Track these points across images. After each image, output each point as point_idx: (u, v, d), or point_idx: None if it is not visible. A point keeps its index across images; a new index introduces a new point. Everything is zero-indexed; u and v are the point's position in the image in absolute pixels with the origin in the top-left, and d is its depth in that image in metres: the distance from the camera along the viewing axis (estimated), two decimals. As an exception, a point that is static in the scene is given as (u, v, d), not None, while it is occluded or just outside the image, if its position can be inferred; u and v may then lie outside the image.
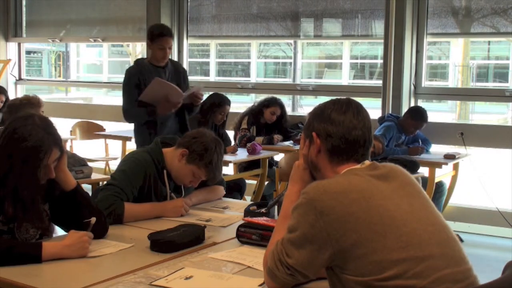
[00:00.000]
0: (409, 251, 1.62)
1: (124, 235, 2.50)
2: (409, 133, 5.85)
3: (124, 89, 4.69)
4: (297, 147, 6.15)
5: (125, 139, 6.84)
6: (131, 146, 6.57)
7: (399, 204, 1.71)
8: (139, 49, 14.02)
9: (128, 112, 4.66)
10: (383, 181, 1.76)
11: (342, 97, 1.91)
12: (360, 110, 1.86)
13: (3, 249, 2.08)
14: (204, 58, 9.44)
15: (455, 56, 9.18)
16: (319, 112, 1.88)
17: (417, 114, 5.85)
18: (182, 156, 2.84)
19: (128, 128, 7.95)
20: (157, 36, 4.63)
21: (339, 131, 1.81)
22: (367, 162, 1.85)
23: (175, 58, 7.86)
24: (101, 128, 7.59)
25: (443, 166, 5.47)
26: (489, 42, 9.68)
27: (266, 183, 5.87)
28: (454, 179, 5.98)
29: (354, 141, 1.82)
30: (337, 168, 1.83)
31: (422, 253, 1.63)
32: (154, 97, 4.54)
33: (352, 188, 1.70)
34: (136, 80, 4.61)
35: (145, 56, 7.44)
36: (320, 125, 1.84)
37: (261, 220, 2.48)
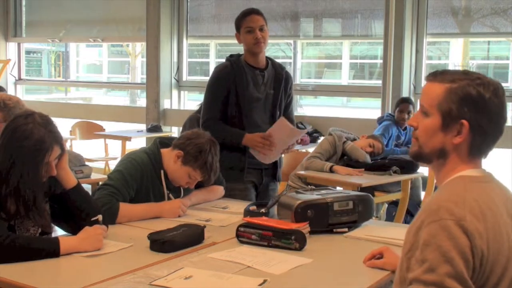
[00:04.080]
0: None
1: (123, 234, 2.50)
2: (402, 122, 5.85)
3: (208, 92, 3.57)
4: (297, 147, 6.15)
5: (124, 139, 6.85)
6: (131, 146, 6.58)
7: None
8: (138, 49, 14.02)
9: (208, 126, 3.39)
10: None
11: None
12: None
13: (23, 244, 2.11)
14: (204, 58, 9.44)
15: (454, 56, 9.18)
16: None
17: (398, 100, 6.00)
18: (177, 157, 2.83)
19: (127, 128, 7.98)
20: (243, 18, 3.51)
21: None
22: None
23: (175, 59, 7.87)
24: (101, 128, 7.59)
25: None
26: (488, 42, 9.68)
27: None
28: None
29: None
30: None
31: None
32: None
33: None
34: (224, 80, 3.51)
35: (146, 56, 7.45)
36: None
37: (261, 220, 2.48)
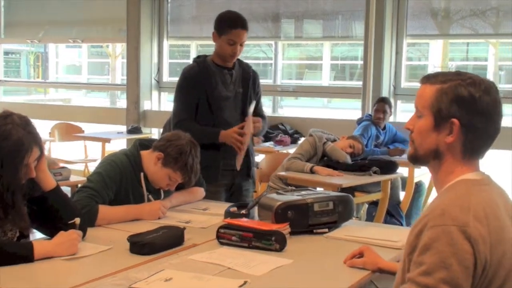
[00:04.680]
0: None
1: (103, 237, 2.48)
2: (378, 121, 5.88)
3: (178, 93, 3.59)
4: (278, 148, 6.16)
5: (104, 140, 6.81)
6: (111, 148, 6.54)
7: None
8: (119, 50, 13.95)
9: (181, 127, 3.33)
10: None
11: None
12: None
13: None
14: (184, 59, 9.40)
15: (434, 57, 9.25)
16: None
17: (375, 101, 6.05)
18: (158, 159, 2.82)
19: (107, 129, 7.94)
20: (229, 28, 3.46)
21: None
22: None
23: (155, 60, 7.84)
24: (80, 130, 7.54)
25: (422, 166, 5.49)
26: (467, 44, 9.77)
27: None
28: (433, 179, 6.02)
29: None
30: None
31: None
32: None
33: None
34: (193, 81, 3.54)
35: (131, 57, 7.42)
36: None
37: (242, 221, 2.48)
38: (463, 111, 1.62)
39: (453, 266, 1.47)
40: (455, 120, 1.62)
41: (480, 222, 1.51)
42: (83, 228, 2.41)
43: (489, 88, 1.63)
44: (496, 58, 9.73)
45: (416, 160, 1.74)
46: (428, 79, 1.70)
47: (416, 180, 5.57)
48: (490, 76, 10.05)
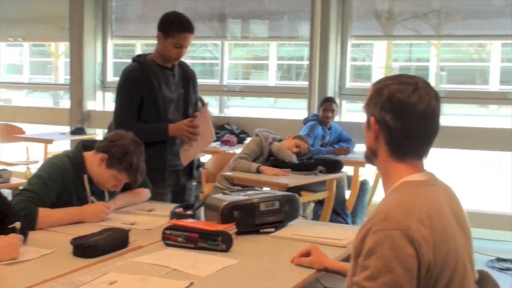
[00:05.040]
0: None
1: (45, 240, 2.42)
2: (326, 120, 5.95)
3: (121, 94, 3.52)
4: (224, 148, 6.15)
5: (46, 142, 6.67)
6: (53, 149, 6.41)
7: None
8: (62, 49, 13.68)
9: (128, 126, 3.20)
10: None
11: None
12: None
13: None
14: (129, 59, 9.30)
15: (378, 58, 9.39)
16: None
17: (322, 100, 6.13)
18: (102, 161, 2.78)
19: (50, 130, 7.78)
20: (176, 31, 3.40)
21: None
22: None
23: (99, 59, 7.73)
24: (21, 131, 7.35)
25: (367, 165, 5.57)
26: (410, 45, 9.96)
27: (193, 184, 5.83)
28: (378, 177, 6.11)
29: None
30: None
31: None
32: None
33: None
34: (136, 82, 3.45)
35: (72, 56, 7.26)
36: None
37: (187, 222, 2.47)
38: (378, 108, 1.66)
39: (396, 270, 1.49)
40: (372, 118, 1.68)
41: (423, 224, 1.53)
42: (23, 232, 2.35)
43: (416, 88, 1.64)
44: (438, 59, 9.95)
45: (366, 159, 1.78)
46: (374, 82, 1.75)
47: (361, 178, 5.66)
48: (432, 77, 10.29)
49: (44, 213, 2.61)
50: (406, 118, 1.64)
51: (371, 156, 1.74)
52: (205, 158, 5.83)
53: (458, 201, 1.73)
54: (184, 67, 3.65)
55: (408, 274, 1.49)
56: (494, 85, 9.46)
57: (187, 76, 3.64)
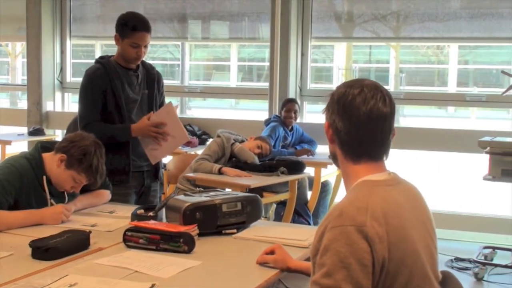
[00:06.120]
0: None
1: (3, 243, 2.38)
2: (289, 121, 5.97)
3: (84, 95, 3.47)
4: (186, 149, 6.12)
5: (4, 143, 6.54)
6: (11, 150, 6.29)
7: None
8: (19, 49, 13.45)
9: (90, 128, 3.23)
10: None
11: None
12: None
13: None
14: (89, 59, 9.18)
15: (338, 59, 9.46)
16: None
17: (284, 101, 6.15)
18: (61, 161, 2.74)
19: (7, 131, 7.63)
20: (131, 30, 3.40)
21: None
22: None
23: (57, 59, 7.61)
24: (-22, 132, 7.20)
25: (328, 166, 5.63)
26: (370, 47, 10.06)
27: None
28: (339, 178, 6.16)
29: None
30: None
31: None
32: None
33: None
34: (99, 83, 3.43)
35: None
36: None
37: (149, 223, 2.45)
38: (330, 112, 1.72)
39: (352, 266, 1.50)
40: (326, 123, 1.74)
41: (378, 221, 1.55)
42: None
43: (361, 92, 1.67)
44: (397, 61, 10.09)
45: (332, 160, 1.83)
46: None
47: (322, 179, 5.69)
48: (391, 78, 10.43)
49: (2, 215, 2.56)
50: (350, 120, 1.68)
51: (333, 159, 1.79)
52: (166, 159, 5.81)
53: (422, 201, 1.76)
54: (148, 68, 3.64)
55: (364, 269, 1.51)
56: (452, 86, 9.64)
57: (151, 77, 3.62)
